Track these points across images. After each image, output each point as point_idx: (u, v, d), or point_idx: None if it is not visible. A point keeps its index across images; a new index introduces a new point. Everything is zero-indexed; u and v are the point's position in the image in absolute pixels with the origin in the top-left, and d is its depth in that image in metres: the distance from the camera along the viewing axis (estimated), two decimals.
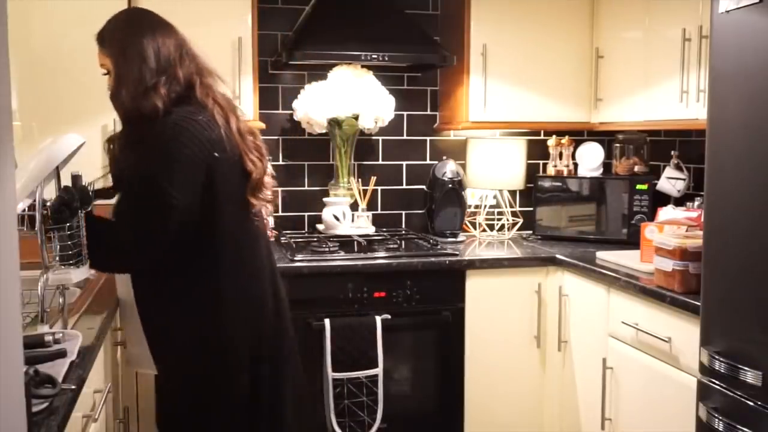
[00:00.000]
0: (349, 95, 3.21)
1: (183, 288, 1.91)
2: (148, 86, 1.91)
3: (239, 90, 2.97)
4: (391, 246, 3.07)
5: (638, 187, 3.19)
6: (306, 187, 3.47)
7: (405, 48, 3.16)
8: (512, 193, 3.58)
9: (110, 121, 2.81)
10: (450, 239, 3.36)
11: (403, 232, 3.49)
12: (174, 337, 1.94)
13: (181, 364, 1.96)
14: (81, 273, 1.83)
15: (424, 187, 3.53)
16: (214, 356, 1.92)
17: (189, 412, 1.97)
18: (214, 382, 1.93)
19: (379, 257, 2.95)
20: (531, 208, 3.52)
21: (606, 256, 2.84)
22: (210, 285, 1.91)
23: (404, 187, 3.58)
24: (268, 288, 2.05)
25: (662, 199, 3.10)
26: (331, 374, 2.78)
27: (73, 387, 1.43)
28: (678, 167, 3.12)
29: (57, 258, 1.78)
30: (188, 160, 1.83)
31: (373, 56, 3.07)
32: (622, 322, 2.54)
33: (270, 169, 2.09)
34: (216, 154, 1.87)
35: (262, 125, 3.11)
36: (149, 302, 1.96)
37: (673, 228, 2.53)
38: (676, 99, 2.71)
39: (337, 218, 3.28)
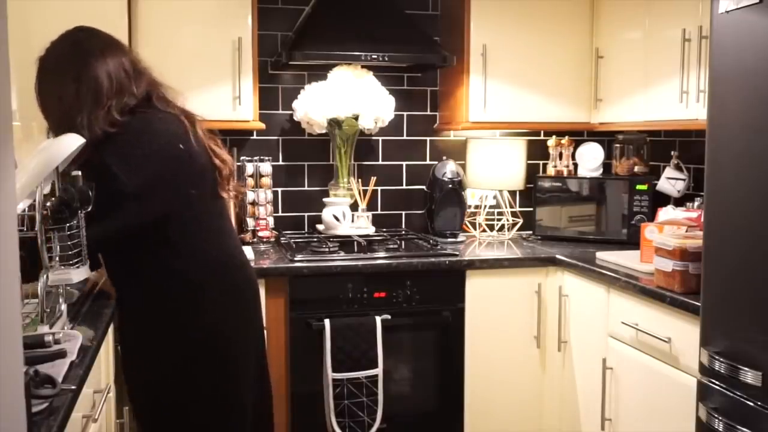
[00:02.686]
0: (349, 95, 3.21)
1: (151, 277, 2.01)
2: (104, 109, 1.94)
3: (239, 90, 2.97)
4: (391, 246, 3.08)
5: (638, 187, 3.19)
6: (306, 188, 3.47)
7: (405, 48, 3.17)
8: (512, 193, 3.58)
9: None
10: (450, 239, 3.36)
11: (403, 232, 3.49)
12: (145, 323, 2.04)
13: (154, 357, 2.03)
14: (81, 273, 1.83)
15: (424, 187, 3.53)
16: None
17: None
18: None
19: (379, 257, 2.95)
20: (531, 209, 3.52)
21: (606, 257, 2.84)
22: (179, 275, 2.00)
23: (404, 187, 3.58)
24: (238, 278, 2.13)
25: (662, 200, 3.10)
26: (331, 374, 2.78)
27: (73, 387, 1.43)
28: (678, 167, 3.12)
29: (57, 258, 1.78)
30: (150, 150, 1.93)
31: (373, 56, 3.07)
32: (622, 323, 2.54)
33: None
34: (181, 146, 1.98)
35: (262, 125, 3.12)
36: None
37: (673, 228, 2.53)
38: (676, 99, 2.71)
39: (337, 218, 3.28)
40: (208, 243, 2.06)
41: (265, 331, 2.32)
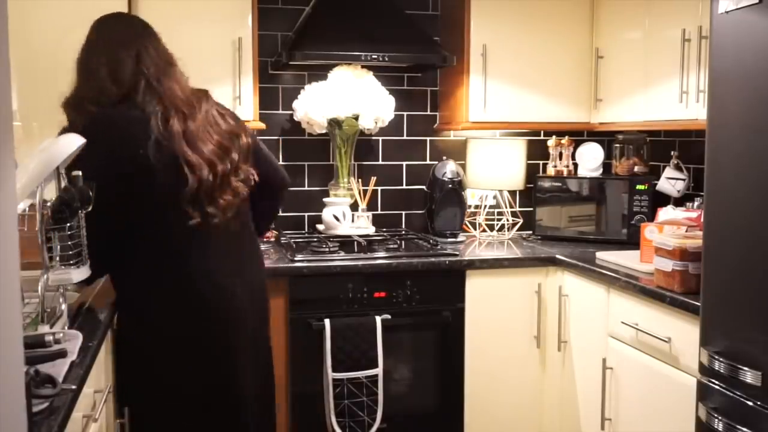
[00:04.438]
0: (349, 95, 3.21)
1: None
2: (82, 99, 2.00)
3: (239, 90, 2.97)
4: (391, 246, 3.08)
5: (638, 187, 3.19)
6: (306, 188, 3.47)
7: (405, 48, 3.17)
8: (512, 193, 3.58)
9: None
10: (450, 239, 3.36)
11: (403, 232, 3.49)
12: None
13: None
14: (81, 273, 1.83)
15: (424, 187, 3.53)
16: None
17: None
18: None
19: (379, 257, 2.95)
20: (531, 209, 3.52)
21: (606, 257, 2.84)
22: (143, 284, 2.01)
23: (404, 187, 3.58)
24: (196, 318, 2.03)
25: (662, 200, 3.10)
26: (331, 374, 2.78)
27: (73, 387, 1.43)
28: (678, 167, 3.12)
29: (57, 258, 1.78)
30: (93, 155, 1.86)
31: (374, 56, 3.07)
32: (622, 322, 2.54)
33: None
34: (140, 152, 1.92)
35: (263, 125, 3.12)
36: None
37: (673, 228, 2.53)
38: (675, 99, 2.72)
39: (337, 218, 3.28)
40: (159, 267, 1.99)
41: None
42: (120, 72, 2.02)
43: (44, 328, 1.73)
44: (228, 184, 2.02)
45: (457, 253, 3.04)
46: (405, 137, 3.56)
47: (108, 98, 2.00)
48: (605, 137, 3.56)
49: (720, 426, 1.92)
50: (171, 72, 2.09)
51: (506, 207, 3.51)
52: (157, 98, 2.01)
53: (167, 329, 2.01)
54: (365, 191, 3.38)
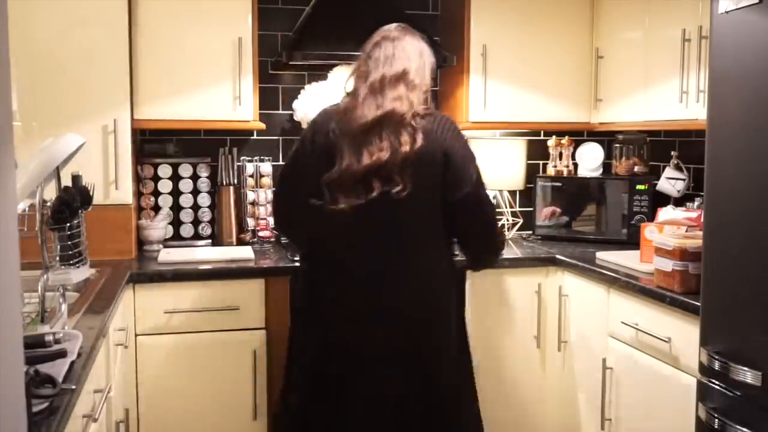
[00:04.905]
0: None
1: None
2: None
3: (239, 90, 2.97)
4: None
5: (638, 187, 3.19)
6: None
7: None
8: (512, 193, 3.58)
9: (110, 121, 2.81)
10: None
11: None
12: None
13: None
14: (81, 273, 1.84)
15: None
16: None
17: None
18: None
19: None
20: (531, 209, 3.52)
21: (606, 256, 2.84)
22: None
23: None
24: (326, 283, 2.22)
25: (662, 200, 3.10)
26: None
27: (73, 387, 1.43)
28: (678, 167, 3.12)
29: (57, 258, 1.79)
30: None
31: None
32: (622, 322, 2.54)
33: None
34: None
35: (262, 125, 3.12)
36: None
37: (673, 228, 2.53)
38: (675, 99, 2.72)
39: None
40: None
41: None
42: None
43: (44, 328, 1.73)
44: None
45: (457, 253, 3.03)
46: None
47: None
48: (605, 137, 3.56)
49: (720, 426, 1.91)
50: None
51: (506, 207, 3.51)
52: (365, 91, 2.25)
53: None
54: None
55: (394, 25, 2.34)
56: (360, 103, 2.16)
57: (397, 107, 2.13)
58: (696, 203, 2.89)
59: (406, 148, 2.09)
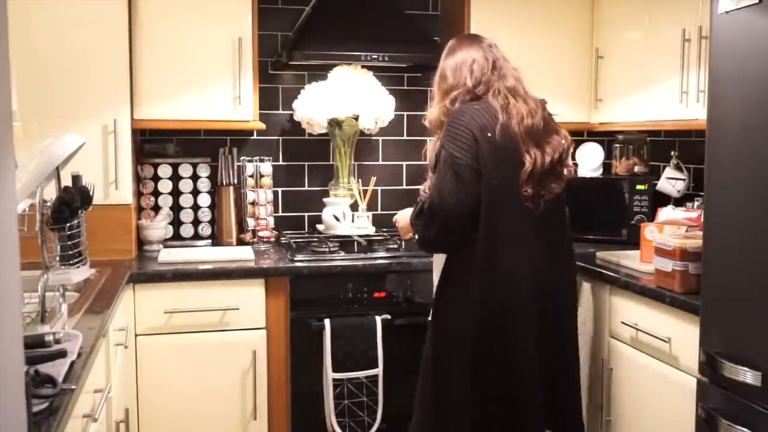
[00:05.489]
0: (349, 95, 3.21)
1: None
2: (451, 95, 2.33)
3: (239, 90, 2.97)
4: (391, 246, 3.07)
5: (638, 187, 3.19)
6: (306, 188, 3.47)
7: (405, 48, 3.16)
8: None
9: (110, 121, 2.81)
10: None
11: None
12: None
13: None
14: (81, 273, 1.84)
15: None
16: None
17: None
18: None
19: (379, 257, 2.95)
20: None
21: (606, 256, 2.84)
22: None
23: (404, 187, 3.58)
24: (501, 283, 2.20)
25: (662, 200, 3.10)
26: (331, 374, 2.78)
27: (73, 387, 1.43)
28: (678, 167, 3.12)
29: (57, 258, 1.79)
30: (458, 136, 2.18)
31: (373, 56, 3.07)
32: (622, 322, 2.54)
33: None
34: (488, 135, 2.17)
35: (262, 125, 3.12)
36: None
37: (673, 228, 2.53)
38: (675, 99, 2.72)
39: (337, 218, 3.28)
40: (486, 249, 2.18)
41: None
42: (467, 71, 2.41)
43: (44, 328, 1.74)
44: None
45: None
46: (405, 137, 3.56)
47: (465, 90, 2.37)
48: (605, 137, 3.56)
49: (720, 426, 1.91)
50: None
51: None
52: (501, 97, 2.33)
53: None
54: (365, 191, 3.38)
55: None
56: None
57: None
58: (696, 203, 2.89)
59: None
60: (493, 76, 2.34)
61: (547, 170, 2.23)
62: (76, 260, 1.81)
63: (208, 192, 3.28)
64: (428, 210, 2.20)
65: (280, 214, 3.44)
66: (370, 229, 3.35)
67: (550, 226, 2.28)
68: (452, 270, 2.27)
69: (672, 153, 3.15)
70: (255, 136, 3.38)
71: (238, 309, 2.74)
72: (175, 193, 3.24)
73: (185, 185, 3.25)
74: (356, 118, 3.24)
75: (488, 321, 2.18)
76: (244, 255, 2.94)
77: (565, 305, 2.37)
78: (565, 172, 2.33)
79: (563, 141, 2.32)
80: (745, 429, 1.84)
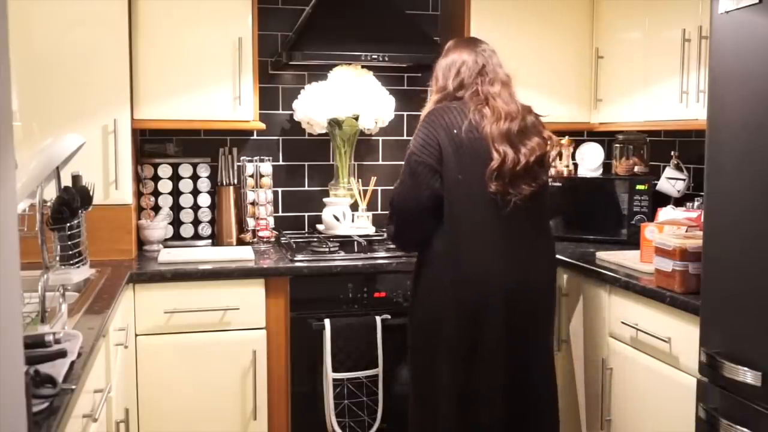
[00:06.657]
0: (349, 95, 3.21)
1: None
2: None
3: (239, 90, 2.97)
4: (391, 246, 3.07)
5: (638, 187, 3.19)
6: (306, 188, 3.47)
7: (405, 48, 3.16)
8: None
9: (110, 121, 2.81)
10: None
11: None
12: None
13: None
14: (81, 273, 1.84)
15: None
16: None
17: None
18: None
19: (379, 257, 2.95)
20: None
21: (606, 256, 2.84)
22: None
23: None
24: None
25: (662, 200, 3.10)
26: (331, 374, 2.78)
27: (73, 387, 1.43)
28: (678, 167, 3.12)
29: (57, 258, 1.79)
30: (419, 134, 2.33)
31: (373, 56, 3.07)
32: (622, 323, 2.53)
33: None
34: (453, 131, 2.25)
35: (262, 125, 3.12)
36: None
37: (673, 228, 2.53)
38: (675, 99, 2.72)
39: (337, 218, 3.28)
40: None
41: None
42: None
43: (44, 328, 1.74)
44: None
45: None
46: (405, 137, 3.56)
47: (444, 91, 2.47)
48: (605, 137, 3.56)
49: (720, 426, 1.91)
50: None
51: None
52: (479, 98, 2.41)
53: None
54: (365, 191, 3.38)
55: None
56: None
57: None
58: (696, 203, 2.89)
59: None
60: (478, 80, 2.36)
61: (520, 171, 2.24)
62: (76, 260, 1.81)
63: (208, 192, 3.28)
64: (390, 208, 2.36)
65: (280, 214, 3.44)
66: (370, 229, 3.35)
67: (524, 227, 2.29)
68: (422, 264, 2.37)
69: (672, 153, 3.15)
70: (255, 136, 3.38)
71: (238, 309, 2.75)
72: (175, 193, 3.24)
73: (185, 185, 3.25)
74: (356, 118, 3.24)
75: (456, 317, 2.28)
76: (244, 255, 2.94)
77: (538, 317, 2.41)
78: (550, 173, 2.36)
79: (546, 144, 2.32)
80: (745, 429, 1.84)
